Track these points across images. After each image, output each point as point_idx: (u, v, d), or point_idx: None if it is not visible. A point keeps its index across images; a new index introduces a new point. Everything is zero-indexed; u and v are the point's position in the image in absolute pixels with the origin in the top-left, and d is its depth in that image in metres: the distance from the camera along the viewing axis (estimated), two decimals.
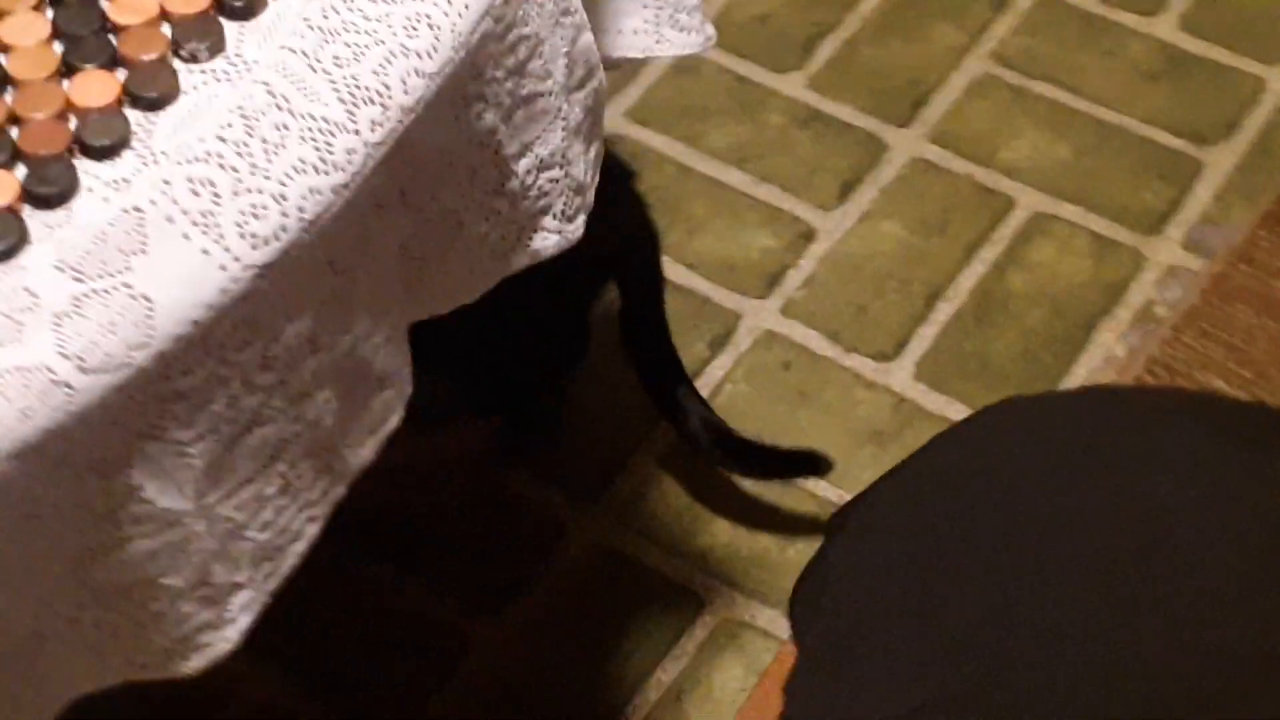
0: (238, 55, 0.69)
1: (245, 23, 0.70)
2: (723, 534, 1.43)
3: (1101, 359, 1.53)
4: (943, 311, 1.57)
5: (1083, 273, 1.59)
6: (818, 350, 1.54)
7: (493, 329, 1.37)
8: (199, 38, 0.68)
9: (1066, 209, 1.63)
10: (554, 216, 0.82)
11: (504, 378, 1.43)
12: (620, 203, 1.40)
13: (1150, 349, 1.53)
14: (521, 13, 0.75)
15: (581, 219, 0.84)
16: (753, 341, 1.55)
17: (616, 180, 1.41)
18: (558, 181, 0.81)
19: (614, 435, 1.49)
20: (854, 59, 1.75)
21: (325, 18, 0.70)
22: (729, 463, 1.44)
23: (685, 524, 1.44)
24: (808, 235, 1.62)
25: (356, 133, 0.68)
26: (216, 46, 0.68)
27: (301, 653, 1.37)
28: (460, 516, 1.44)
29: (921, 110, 1.70)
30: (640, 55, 0.95)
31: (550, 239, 0.82)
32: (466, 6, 0.72)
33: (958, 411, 1.51)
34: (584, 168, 0.83)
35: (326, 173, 0.66)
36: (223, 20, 0.69)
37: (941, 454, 0.91)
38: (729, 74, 1.73)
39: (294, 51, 0.69)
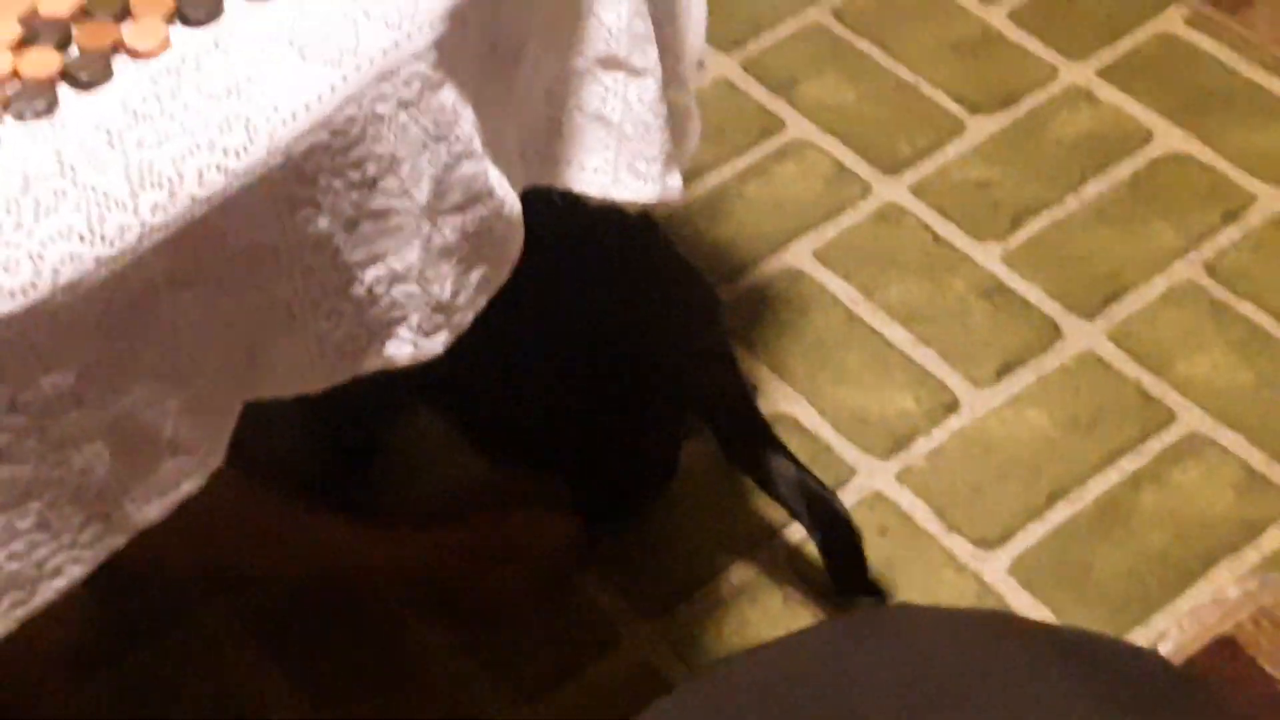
0: (61, 122, 0.75)
1: (84, 93, 0.76)
2: None
3: (1210, 597, 1.46)
4: (1061, 512, 1.52)
5: (1222, 504, 1.52)
6: (920, 523, 1.52)
7: (590, 432, 1.42)
8: (30, 99, 0.74)
9: (1227, 435, 1.56)
10: (409, 328, 0.85)
11: (592, 478, 1.46)
12: (700, 332, 1.42)
13: (1265, 598, 1.45)
14: (373, 131, 0.79)
15: (443, 336, 0.86)
16: (857, 500, 1.53)
17: (697, 308, 1.43)
18: (413, 296, 0.84)
19: (690, 561, 1.50)
20: (1059, 241, 1.71)
21: (145, 103, 0.75)
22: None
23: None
24: (950, 407, 1.59)
25: (135, 212, 0.72)
26: (45, 110, 0.74)
27: (335, 695, 1.43)
28: (524, 602, 1.47)
29: (1111, 305, 1.65)
30: (598, 194, 0.98)
31: (405, 349, 0.85)
32: (293, 116, 0.76)
33: (1042, 617, 1.46)
34: (451, 289, 0.86)
35: (92, 243, 0.71)
36: (64, 88, 0.76)
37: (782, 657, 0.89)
38: (928, 231, 1.72)
39: (100, 129, 0.74)
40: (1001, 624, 0.94)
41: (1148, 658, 0.98)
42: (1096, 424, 1.58)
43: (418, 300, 0.84)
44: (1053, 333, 1.64)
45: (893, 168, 1.77)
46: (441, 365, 1.31)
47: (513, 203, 0.89)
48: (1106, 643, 1.00)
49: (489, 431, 1.45)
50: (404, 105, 0.80)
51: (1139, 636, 1.44)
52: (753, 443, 1.42)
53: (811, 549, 1.47)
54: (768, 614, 1.46)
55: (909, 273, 1.69)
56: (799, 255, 1.70)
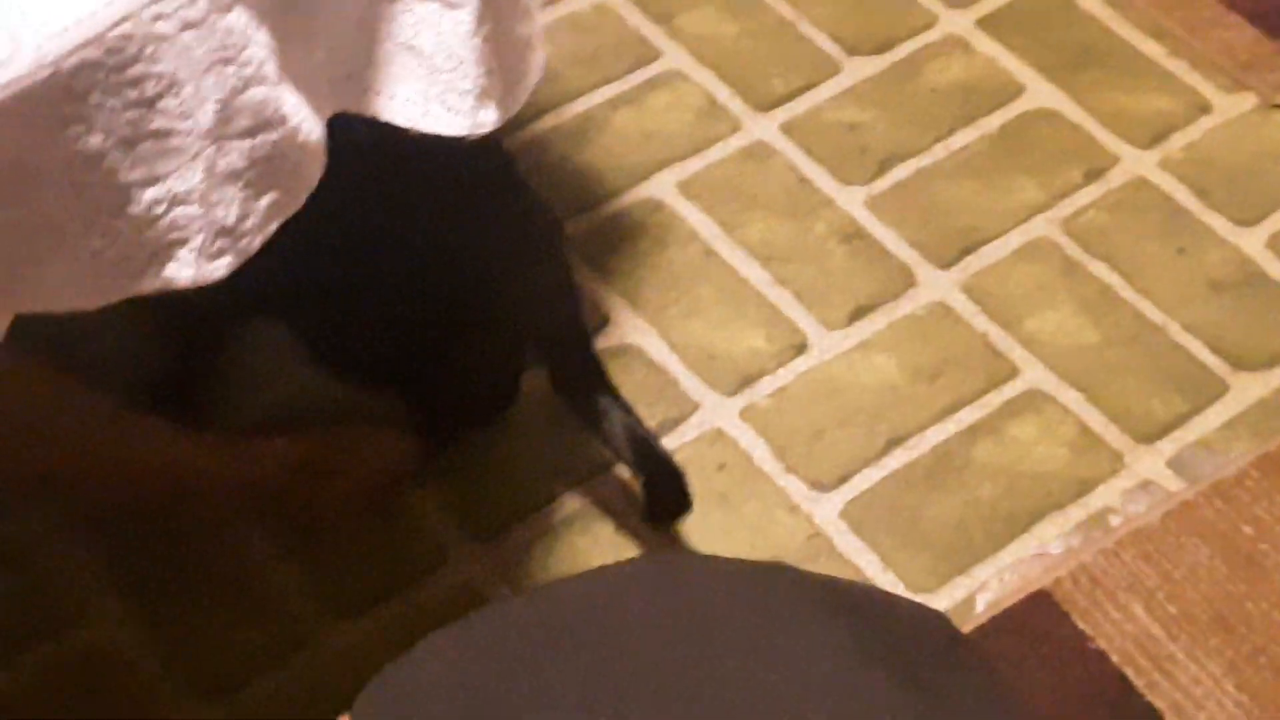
0: None
1: None
2: None
3: (1033, 552, 1.48)
4: (897, 459, 1.53)
5: (1056, 461, 1.54)
6: (758, 462, 1.53)
7: (427, 352, 1.42)
8: None
9: (1068, 394, 1.58)
10: (191, 250, 0.85)
11: (429, 398, 1.47)
12: (542, 264, 1.42)
13: (1085, 555, 1.47)
14: (151, 50, 0.78)
15: (226, 260, 0.86)
16: (698, 435, 1.54)
17: (541, 240, 1.43)
18: (195, 219, 0.84)
19: (525, 488, 1.50)
20: (923, 189, 1.72)
21: None
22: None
23: None
24: (800, 348, 1.60)
25: None
26: None
27: (155, 598, 1.43)
28: (353, 517, 1.48)
29: (967, 257, 1.67)
30: (406, 125, 0.97)
31: (185, 271, 0.85)
32: (63, 30, 0.75)
33: (868, 561, 1.48)
34: (238, 214, 0.86)
35: None
36: None
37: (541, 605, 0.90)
38: (794, 172, 1.72)
39: None
40: (781, 576, 0.95)
41: (929, 618, 0.99)
42: (941, 374, 1.59)
43: (200, 223, 0.84)
44: (907, 280, 1.65)
45: (765, 105, 1.77)
46: (285, 276, 1.31)
47: (310, 129, 0.88)
48: (886, 599, 1.01)
49: (329, 345, 1.44)
50: (188, 25, 0.79)
51: (961, 586, 1.46)
52: (582, 378, 1.43)
53: None
54: (597, 542, 1.47)
55: (771, 212, 1.70)
56: (662, 187, 1.70)
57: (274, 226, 0.88)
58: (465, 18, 0.94)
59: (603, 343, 1.59)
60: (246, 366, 1.52)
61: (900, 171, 1.73)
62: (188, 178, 0.82)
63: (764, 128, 1.75)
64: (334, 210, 1.34)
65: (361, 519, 1.47)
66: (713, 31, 1.83)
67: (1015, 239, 1.68)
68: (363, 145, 1.11)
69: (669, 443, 1.53)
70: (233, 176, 0.85)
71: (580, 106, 1.76)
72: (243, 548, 1.45)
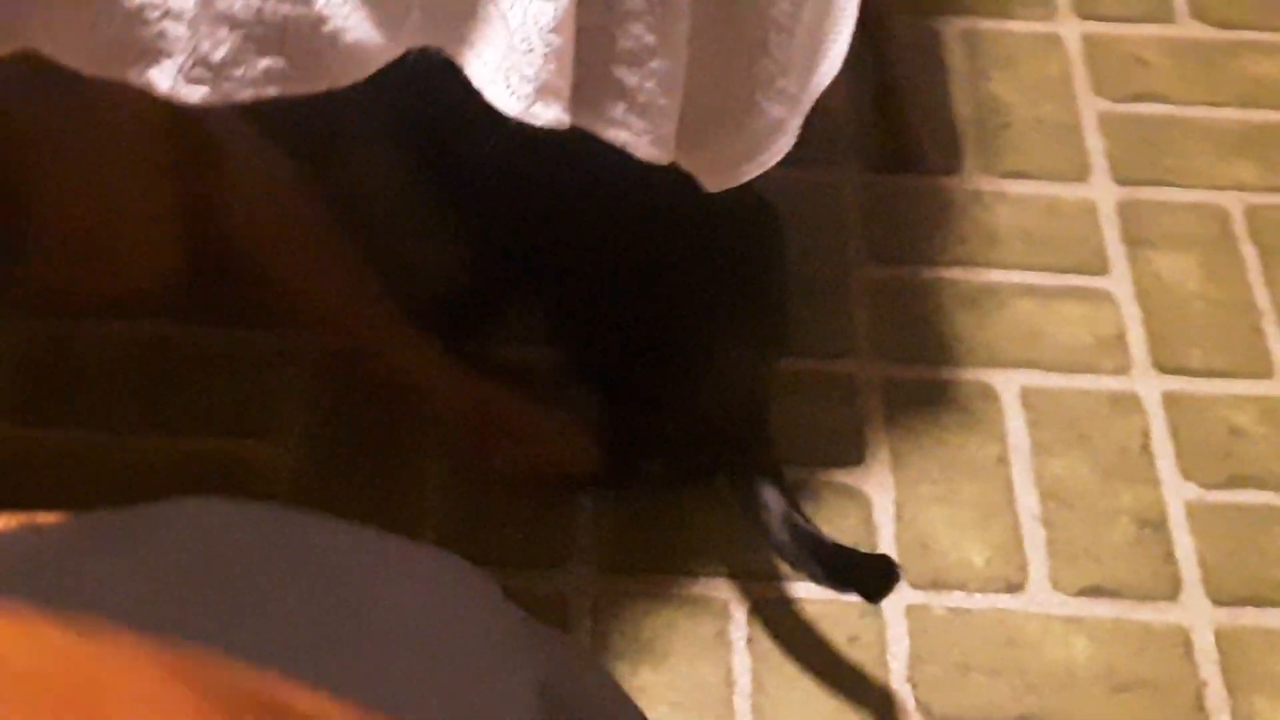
0: None
1: None
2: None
3: None
4: None
5: None
6: (889, 658, 1.47)
7: (641, 373, 1.46)
8: None
9: None
10: (173, 63, 0.94)
11: (633, 417, 1.50)
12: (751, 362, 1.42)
13: None
14: None
15: (202, 91, 0.95)
16: (857, 601, 1.49)
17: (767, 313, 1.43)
18: (180, 39, 0.94)
19: (673, 547, 1.51)
20: (1258, 522, 1.57)
21: None
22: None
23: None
24: (1012, 587, 1.51)
25: None
26: None
27: (328, 453, 1.55)
28: (515, 484, 1.53)
29: (1248, 608, 1.51)
30: (474, 83, 1.02)
31: (164, 81, 0.95)
32: None
33: None
34: (226, 54, 0.94)
35: None
36: None
37: None
38: (1143, 438, 1.61)
39: None
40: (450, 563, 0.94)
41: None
42: (1128, 690, 1.46)
43: (184, 44, 0.92)
44: (1170, 591, 1.52)
45: (1167, 367, 1.66)
46: (553, 256, 1.40)
47: (344, 26, 0.95)
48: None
49: (566, 329, 1.50)
50: None
51: None
52: (750, 455, 1.42)
53: None
54: (692, 637, 1.45)
55: (1091, 459, 1.60)
56: (1008, 382, 1.64)
57: (272, 91, 0.96)
58: (549, 10, 0.98)
59: (841, 477, 1.56)
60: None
61: (1250, 495, 1.58)
62: None
63: (1149, 386, 1.65)
64: (600, 208, 1.42)
65: (520, 489, 1.52)
66: (1176, 278, 1.73)
67: None
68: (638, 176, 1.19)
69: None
70: (230, 20, 0.92)
71: (994, 276, 1.72)
72: (417, 451, 1.54)
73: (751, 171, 1.22)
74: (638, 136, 1.10)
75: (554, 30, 0.98)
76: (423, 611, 0.96)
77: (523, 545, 1.50)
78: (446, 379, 1.52)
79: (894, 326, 1.67)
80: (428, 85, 1.48)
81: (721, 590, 1.48)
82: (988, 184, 1.79)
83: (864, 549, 1.46)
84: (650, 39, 1.06)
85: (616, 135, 1.09)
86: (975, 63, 1.90)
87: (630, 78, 1.07)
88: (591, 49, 1.05)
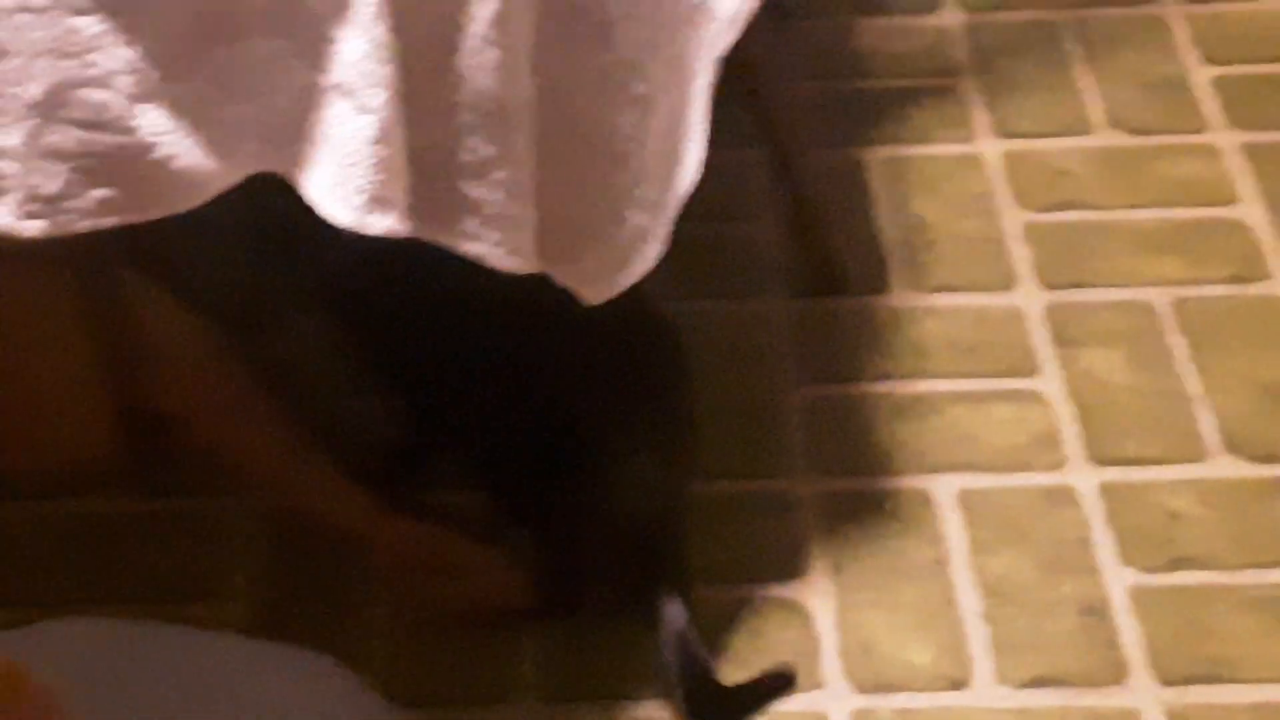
0: None
1: None
2: None
3: None
4: None
5: None
6: None
7: (559, 500, 1.49)
8: None
9: None
10: (11, 202, 0.99)
11: (560, 549, 1.52)
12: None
13: None
14: None
15: (41, 225, 1.00)
16: (802, 710, 1.49)
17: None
18: (14, 176, 0.98)
19: (615, 675, 1.52)
20: (1201, 604, 1.56)
21: None
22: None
23: None
24: (956, 684, 1.51)
25: None
26: None
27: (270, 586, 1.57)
28: (455, 621, 1.55)
29: (1196, 687, 1.50)
30: (311, 203, 1.07)
31: (4, 217, 0.99)
32: None
33: None
34: (60, 188, 0.99)
35: None
36: None
37: None
38: (1081, 529, 1.62)
39: None
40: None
41: None
42: None
43: (17, 181, 0.97)
44: (1116, 676, 1.51)
45: (1103, 459, 1.67)
46: (467, 395, 1.44)
47: (173, 152, 1.00)
48: None
49: (487, 465, 1.53)
50: (25, 9, 0.93)
51: None
52: (658, 568, 1.44)
53: None
54: None
55: (1029, 554, 1.60)
56: (945, 487, 1.65)
57: (110, 220, 1.00)
58: (370, 123, 1.02)
59: (777, 590, 1.57)
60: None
61: (1192, 576, 1.58)
62: (9, 137, 0.96)
63: (1085, 478, 1.66)
64: (499, 340, 1.46)
65: (460, 624, 1.54)
66: (1106, 375, 1.75)
67: (1268, 693, 1.50)
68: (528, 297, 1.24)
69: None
70: (58, 154, 0.97)
71: (923, 386, 1.74)
72: (361, 593, 1.56)
73: (626, 280, 1.26)
74: (494, 248, 1.14)
75: (378, 142, 1.03)
76: (283, 707, 0.99)
77: (468, 682, 1.51)
78: (382, 524, 1.55)
79: (828, 442, 1.69)
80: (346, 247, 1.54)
81: (666, 713, 1.49)
82: (915, 300, 1.82)
83: (789, 664, 1.47)
84: (490, 150, 1.10)
85: (471, 248, 1.13)
86: (897, 187, 1.94)
87: (476, 190, 1.11)
88: (433, 165, 1.10)
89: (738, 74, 1.75)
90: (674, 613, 1.42)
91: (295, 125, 1.04)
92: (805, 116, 1.95)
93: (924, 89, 2.05)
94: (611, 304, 1.43)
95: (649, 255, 1.25)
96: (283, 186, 1.56)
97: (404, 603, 1.55)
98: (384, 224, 1.05)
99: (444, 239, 1.13)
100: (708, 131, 1.27)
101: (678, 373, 1.51)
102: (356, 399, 1.61)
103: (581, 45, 1.14)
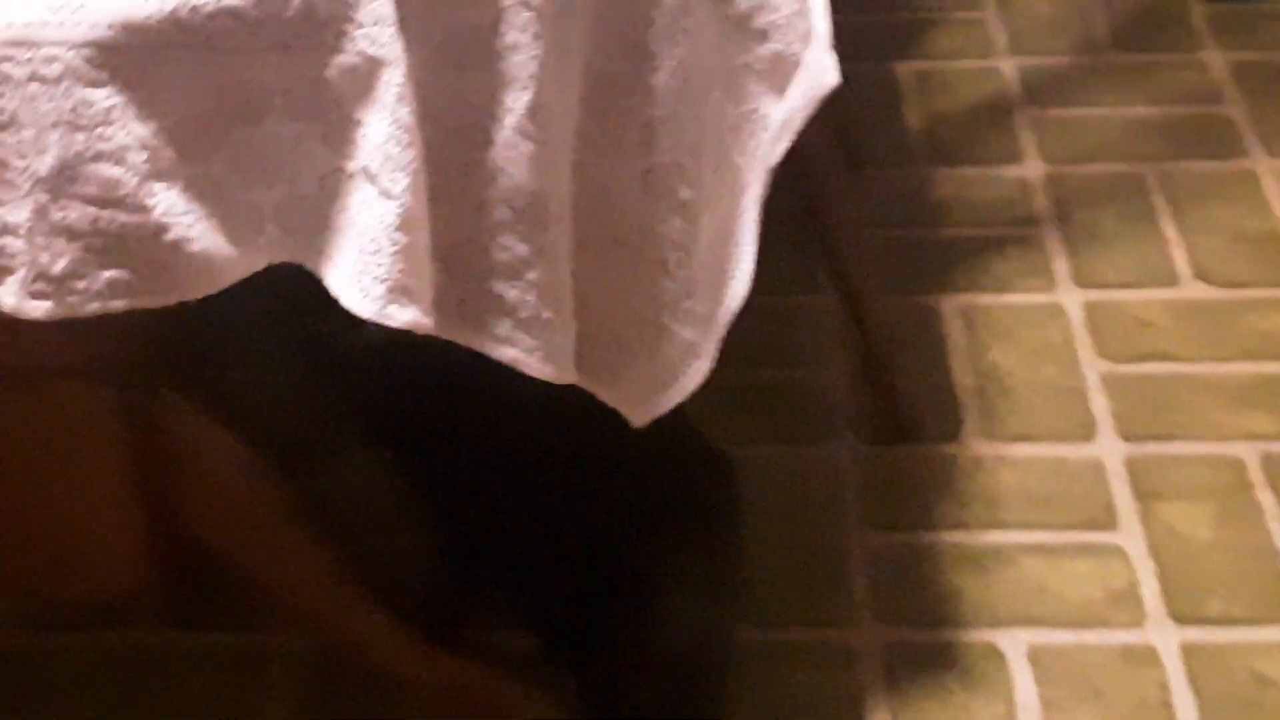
0: None
1: None
2: None
3: None
4: None
5: None
6: None
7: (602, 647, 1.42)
8: None
9: None
10: (16, 282, 0.95)
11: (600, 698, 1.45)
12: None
13: None
14: None
15: (46, 306, 0.96)
16: None
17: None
18: (20, 254, 0.94)
19: None
20: None
21: None
22: None
23: None
24: None
25: None
26: None
27: None
28: None
29: None
30: (333, 291, 1.02)
31: (9, 298, 0.95)
32: None
33: None
34: (67, 267, 0.95)
35: None
36: None
37: None
38: (1163, 695, 1.52)
39: None
40: None
41: None
42: None
43: (24, 259, 0.93)
44: None
45: (1185, 618, 1.58)
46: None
47: (188, 235, 0.95)
48: None
49: (533, 607, 1.47)
50: (37, 79, 0.90)
51: None
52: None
53: None
54: None
55: (1107, 717, 1.51)
56: (1012, 643, 1.56)
57: (119, 304, 0.96)
58: (393, 209, 0.98)
59: None
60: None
61: None
62: (16, 212, 0.92)
63: (1165, 637, 1.57)
64: (547, 473, 1.41)
65: None
66: (1189, 530, 1.66)
67: None
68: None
69: None
70: (67, 232, 0.94)
71: (995, 537, 1.66)
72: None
73: (671, 399, 1.20)
74: (528, 354, 1.09)
75: (399, 229, 0.98)
76: None
77: None
78: (423, 663, 1.48)
79: (893, 592, 1.61)
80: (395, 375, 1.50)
81: None
82: (989, 449, 1.75)
83: None
84: (524, 249, 1.05)
85: (505, 353, 1.08)
86: (974, 335, 1.88)
87: (510, 291, 1.06)
88: (464, 263, 1.05)
89: (809, 218, 1.73)
90: None
91: (317, 211, 0.99)
92: (879, 263, 1.90)
93: (1003, 238, 1.99)
94: (661, 433, 1.38)
95: (696, 373, 1.20)
96: (330, 308, 1.53)
97: None
98: (406, 316, 1.00)
99: (475, 341, 1.08)
100: (757, 246, 1.22)
101: (729, 505, 1.45)
102: (403, 534, 1.56)
103: (623, 145, 1.10)
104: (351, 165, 0.98)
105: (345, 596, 1.50)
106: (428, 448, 1.50)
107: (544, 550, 1.43)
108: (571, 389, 1.33)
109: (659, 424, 1.35)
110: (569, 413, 1.38)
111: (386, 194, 0.98)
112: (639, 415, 1.20)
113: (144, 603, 1.55)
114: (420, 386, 1.48)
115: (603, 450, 1.38)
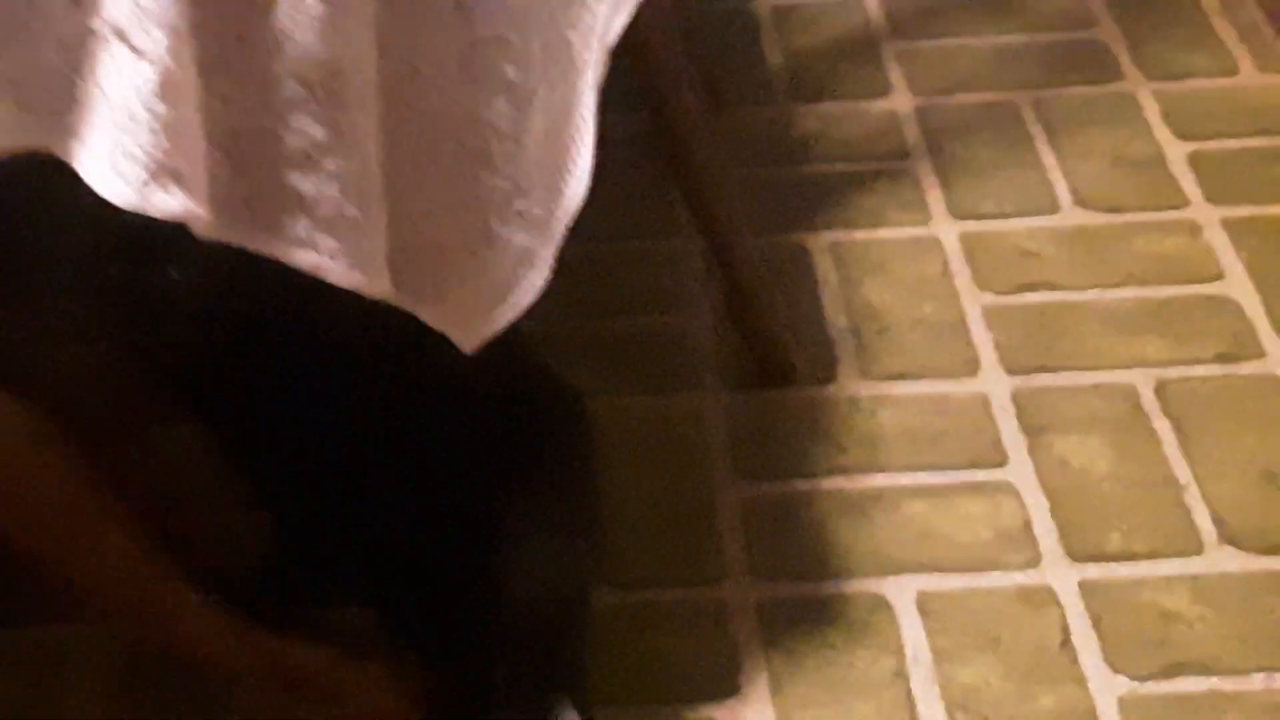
0: None
1: None
2: None
3: None
4: None
5: None
6: None
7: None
8: None
9: None
10: None
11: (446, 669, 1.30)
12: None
13: None
14: None
15: None
16: None
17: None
18: None
19: None
20: (1207, 712, 1.35)
21: None
22: None
23: None
24: None
25: None
26: None
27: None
28: None
29: None
30: (82, 174, 0.86)
31: None
32: None
33: None
34: None
35: None
36: None
37: None
38: (1062, 634, 1.40)
39: None
40: None
41: None
42: None
43: None
44: None
45: (1082, 555, 1.46)
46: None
47: None
48: None
49: (374, 579, 1.32)
50: None
51: None
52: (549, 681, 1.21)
53: None
54: None
55: (1003, 663, 1.38)
56: (901, 590, 1.44)
57: None
58: (150, 73, 0.83)
59: (708, 711, 1.35)
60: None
61: (1192, 683, 1.36)
62: None
63: (1063, 577, 1.45)
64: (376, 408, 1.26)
65: None
66: (1083, 463, 1.54)
67: None
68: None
69: None
70: None
71: (877, 481, 1.53)
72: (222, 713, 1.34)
73: (504, 317, 1.06)
74: (332, 259, 0.94)
75: (159, 96, 0.83)
76: None
77: None
78: (246, 648, 1.32)
79: (769, 545, 1.48)
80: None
81: None
82: (866, 389, 1.62)
83: None
84: (318, 132, 0.91)
85: (304, 258, 0.94)
86: (846, 272, 1.75)
87: (304, 184, 0.92)
88: (251, 152, 0.90)
89: (666, 151, 1.60)
90: None
91: (60, 81, 0.84)
92: (744, 203, 1.76)
93: (873, 172, 1.87)
94: (500, 363, 1.23)
95: (531, 286, 1.06)
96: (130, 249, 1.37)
97: None
98: (174, 204, 0.86)
99: (268, 245, 0.93)
100: (596, 139, 1.08)
101: (582, 445, 1.30)
102: (218, 507, 1.39)
103: (436, 16, 0.95)
104: (98, 23, 0.83)
105: (153, 579, 1.34)
106: (242, 405, 1.34)
107: (376, 509, 1.28)
108: (396, 318, 1.19)
109: (497, 352, 1.20)
110: (395, 349, 1.24)
111: (140, 53, 0.83)
112: (469, 338, 1.06)
113: None
114: (231, 334, 1.32)
115: (436, 388, 1.23)
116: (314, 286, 1.19)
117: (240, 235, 0.92)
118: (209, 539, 1.37)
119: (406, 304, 1.03)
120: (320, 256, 0.94)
